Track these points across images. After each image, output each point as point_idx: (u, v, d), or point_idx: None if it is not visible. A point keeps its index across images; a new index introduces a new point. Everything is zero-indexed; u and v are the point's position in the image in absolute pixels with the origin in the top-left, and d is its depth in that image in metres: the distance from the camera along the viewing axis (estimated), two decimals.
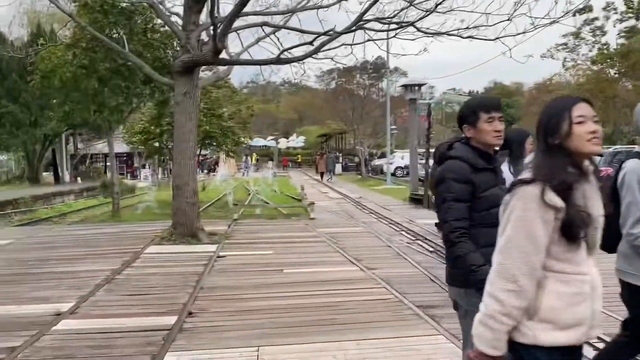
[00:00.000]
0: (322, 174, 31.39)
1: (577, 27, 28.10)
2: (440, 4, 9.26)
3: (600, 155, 2.04)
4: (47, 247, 9.45)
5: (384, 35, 10.34)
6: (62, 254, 8.72)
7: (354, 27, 9.63)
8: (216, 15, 9.07)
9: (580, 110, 1.84)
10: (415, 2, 9.47)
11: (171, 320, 5.06)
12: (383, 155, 38.36)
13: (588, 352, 3.31)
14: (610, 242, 2.66)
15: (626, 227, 2.74)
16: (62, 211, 17.44)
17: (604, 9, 27.82)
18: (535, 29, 9.05)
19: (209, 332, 4.78)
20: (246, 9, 9.62)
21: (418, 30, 9.54)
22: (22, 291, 6.34)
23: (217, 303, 5.70)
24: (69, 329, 4.90)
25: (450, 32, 9.57)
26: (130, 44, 11.47)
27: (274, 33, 10.85)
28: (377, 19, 9.73)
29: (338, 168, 39.15)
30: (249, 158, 43.36)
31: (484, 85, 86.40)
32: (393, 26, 9.90)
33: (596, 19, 28.42)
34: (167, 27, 12.03)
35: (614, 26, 28.07)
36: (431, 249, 8.68)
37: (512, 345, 1.82)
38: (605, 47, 28.90)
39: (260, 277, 6.86)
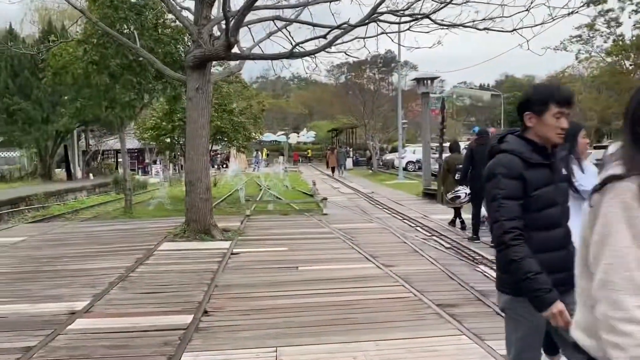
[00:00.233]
0: (333, 169, 31.21)
1: (591, 18, 27.72)
2: None
3: None
4: (60, 244, 9.43)
5: (397, 28, 10.20)
6: (75, 251, 8.68)
7: (367, 20, 9.50)
8: (228, 9, 8.97)
9: None
10: None
11: (187, 319, 4.99)
12: (394, 150, 38.19)
13: None
14: None
15: None
16: (74, 207, 17.48)
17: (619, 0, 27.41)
18: (554, 19, 8.84)
19: (225, 331, 4.70)
20: (258, 3, 9.51)
21: (433, 22, 9.38)
22: (35, 289, 6.30)
23: (233, 301, 5.62)
24: (84, 328, 4.85)
25: (466, 24, 9.39)
26: (141, 40, 11.43)
27: (285, 27, 10.75)
28: (391, 12, 9.58)
29: (349, 163, 39.03)
30: (259, 153, 43.35)
31: (495, 78, 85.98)
32: (406, 18, 9.75)
33: (611, 10, 28.00)
34: (178, 22, 11.96)
35: (630, 17, 27.61)
36: (447, 245, 8.54)
37: None
38: (620, 38, 28.46)
39: (275, 274, 6.78)
